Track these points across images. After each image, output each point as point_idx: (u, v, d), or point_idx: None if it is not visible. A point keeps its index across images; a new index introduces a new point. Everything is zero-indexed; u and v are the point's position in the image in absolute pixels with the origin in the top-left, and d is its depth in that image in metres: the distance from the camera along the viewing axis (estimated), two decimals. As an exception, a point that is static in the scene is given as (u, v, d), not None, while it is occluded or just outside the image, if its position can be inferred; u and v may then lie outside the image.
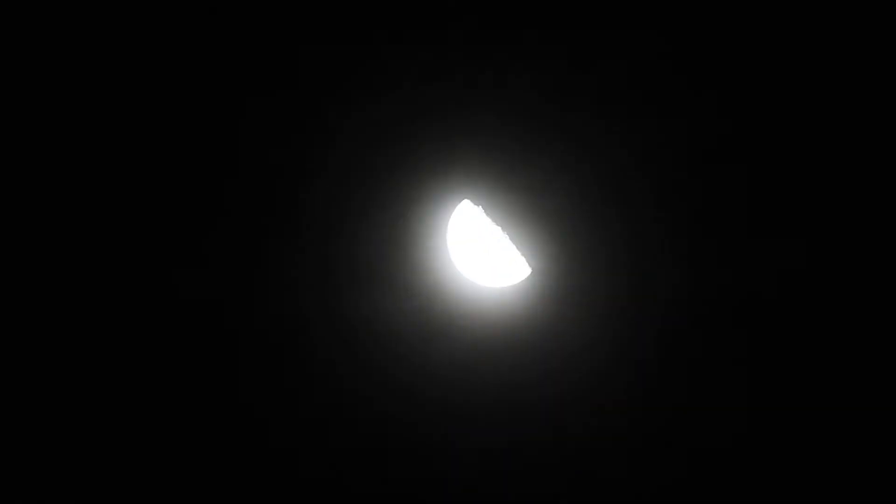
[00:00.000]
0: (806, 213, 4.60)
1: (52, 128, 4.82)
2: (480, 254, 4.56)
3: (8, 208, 4.98)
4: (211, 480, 5.09)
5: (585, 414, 4.73)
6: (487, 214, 4.58)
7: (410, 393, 4.63)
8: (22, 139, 4.89)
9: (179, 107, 4.69)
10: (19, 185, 4.94)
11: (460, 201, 4.55)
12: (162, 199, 4.69)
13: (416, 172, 4.49)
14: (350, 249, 4.51)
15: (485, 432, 4.72)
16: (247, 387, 4.90)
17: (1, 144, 4.90)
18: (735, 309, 4.67)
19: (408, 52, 4.39)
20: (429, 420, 4.69)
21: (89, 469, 5.42)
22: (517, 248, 4.61)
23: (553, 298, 4.62)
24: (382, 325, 4.50)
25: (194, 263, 4.71)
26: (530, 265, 4.64)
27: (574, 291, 4.63)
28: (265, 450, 4.99)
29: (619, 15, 4.39)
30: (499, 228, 4.59)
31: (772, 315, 4.68)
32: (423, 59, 4.38)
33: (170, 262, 4.74)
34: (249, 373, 4.87)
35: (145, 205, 4.71)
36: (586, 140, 4.56)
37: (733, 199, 4.61)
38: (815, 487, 4.95)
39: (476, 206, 4.56)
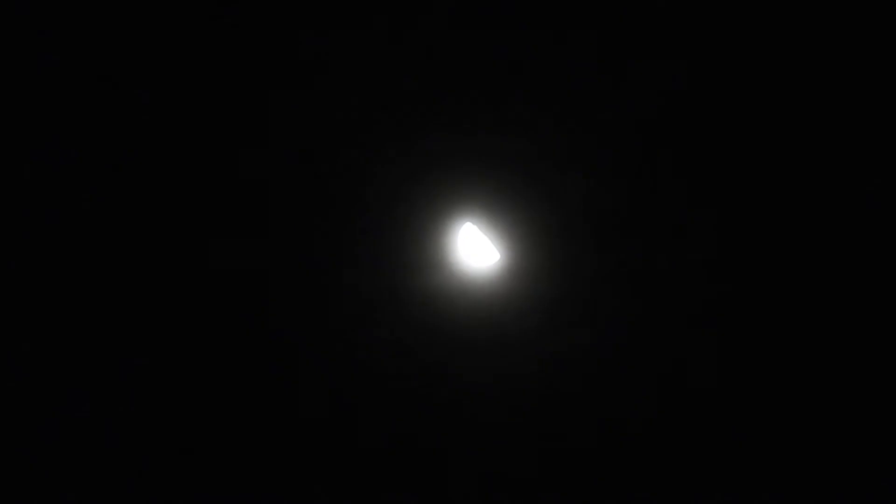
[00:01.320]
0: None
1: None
2: (475, 248, 5.87)
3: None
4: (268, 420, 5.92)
5: (553, 341, 5.88)
6: (480, 228, 5.77)
7: (427, 329, 5.87)
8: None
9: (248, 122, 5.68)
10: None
11: (464, 219, 5.75)
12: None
13: (438, 197, 5.73)
14: (391, 244, 5.82)
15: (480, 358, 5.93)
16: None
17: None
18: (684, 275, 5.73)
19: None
20: (437, 348, 5.92)
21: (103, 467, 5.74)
22: (495, 242, 5.86)
23: (520, 273, 5.85)
24: (413, 293, 5.83)
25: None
26: (500, 252, 5.89)
27: (534, 268, 5.89)
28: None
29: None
30: (486, 237, 5.80)
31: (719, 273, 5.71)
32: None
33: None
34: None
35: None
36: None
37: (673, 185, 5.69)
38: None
39: (474, 222, 5.75)
